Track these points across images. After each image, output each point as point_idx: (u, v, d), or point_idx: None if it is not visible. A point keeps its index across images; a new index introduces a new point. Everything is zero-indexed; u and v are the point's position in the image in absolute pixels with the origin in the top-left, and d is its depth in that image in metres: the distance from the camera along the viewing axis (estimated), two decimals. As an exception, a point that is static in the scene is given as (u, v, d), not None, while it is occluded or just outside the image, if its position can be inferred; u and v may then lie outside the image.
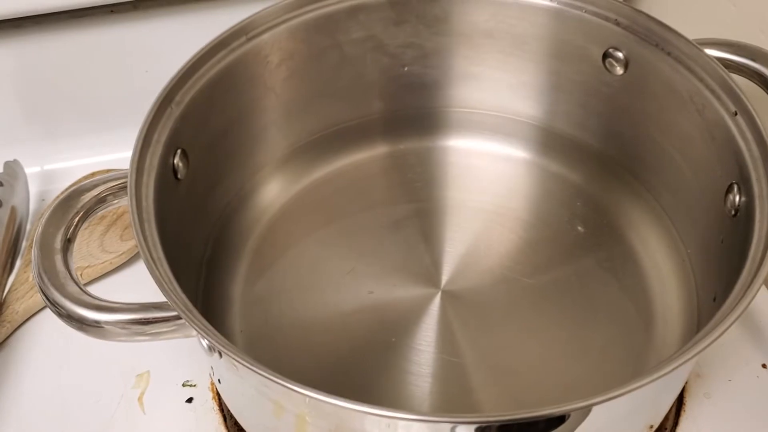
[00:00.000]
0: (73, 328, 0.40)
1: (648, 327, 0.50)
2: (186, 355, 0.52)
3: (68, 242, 0.41)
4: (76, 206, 0.42)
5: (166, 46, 0.62)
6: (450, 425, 0.35)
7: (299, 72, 0.56)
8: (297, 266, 0.54)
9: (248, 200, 0.56)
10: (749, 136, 0.45)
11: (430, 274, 0.53)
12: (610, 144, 0.57)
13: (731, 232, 0.46)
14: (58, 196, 0.44)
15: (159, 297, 0.39)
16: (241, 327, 0.51)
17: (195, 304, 0.39)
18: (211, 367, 0.45)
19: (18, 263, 0.58)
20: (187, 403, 0.51)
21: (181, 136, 0.47)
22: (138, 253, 0.58)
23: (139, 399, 0.51)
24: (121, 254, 0.58)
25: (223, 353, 0.37)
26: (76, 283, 0.40)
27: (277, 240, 0.55)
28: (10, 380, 0.52)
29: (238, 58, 0.51)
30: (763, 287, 0.52)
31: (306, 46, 0.55)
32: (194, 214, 0.51)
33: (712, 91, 0.48)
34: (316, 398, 0.34)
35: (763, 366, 0.52)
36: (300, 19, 0.53)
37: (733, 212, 0.46)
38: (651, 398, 0.42)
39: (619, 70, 0.54)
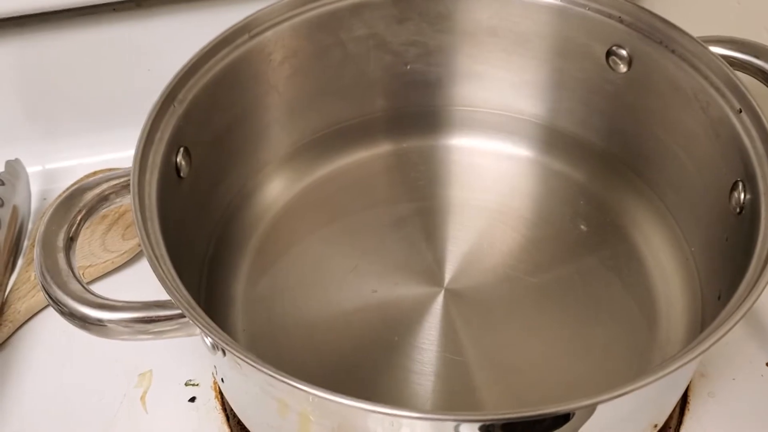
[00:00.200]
0: (75, 326, 0.39)
1: (651, 325, 0.50)
2: (189, 353, 0.52)
3: (71, 241, 0.41)
4: (79, 204, 0.42)
5: (169, 44, 0.62)
6: (454, 424, 0.35)
7: (302, 70, 0.55)
8: (300, 264, 0.54)
9: (251, 198, 0.56)
10: (754, 133, 0.45)
11: (433, 273, 0.53)
12: (614, 142, 0.57)
13: (736, 230, 0.45)
14: (60, 195, 0.44)
15: (161, 296, 0.39)
16: (244, 325, 0.50)
17: (198, 303, 0.39)
18: (214, 366, 0.45)
19: (20, 262, 0.58)
20: (190, 402, 0.51)
21: (184, 134, 0.47)
22: (139, 252, 0.58)
23: (142, 398, 0.51)
24: (123, 253, 0.58)
25: (226, 351, 0.37)
26: (79, 282, 0.40)
27: (279, 238, 0.55)
28: (12, 379, 0.52)
29: (240, 55, 0.51)
30: (768, 285, 0.52)
31: (309, 44, 0.55)
32: (197, 213, 0.51)
33: (717, 89, 0.48)
34: (320, 396, 0.34)
35: (768, 365, 0.52)
36: (303, 16, 0.53)
37: (737, 210, 0.46)
38: (655, 397, 0.42)
39: (623, 68, 0.54)
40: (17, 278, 0.56)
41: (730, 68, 0.47)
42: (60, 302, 0.39)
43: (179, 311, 0.39)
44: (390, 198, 0.58)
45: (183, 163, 0.48)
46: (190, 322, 0.38)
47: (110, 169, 0.61)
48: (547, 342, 0.50)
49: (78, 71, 0.63)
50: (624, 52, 0.53)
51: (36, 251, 0.41)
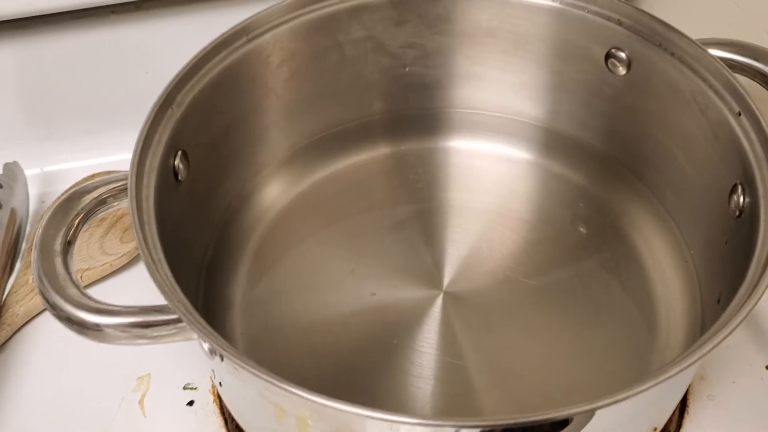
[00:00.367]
0: (73, 331, 0.39)
1: (651, 328, 0.50)
2: (187, 357, 0.52)
3: (68, 244, 0.41)
4: (77, 208, 0.42)
5: (167, 47, 0.62)
6: (453, 429, 0.34)
7: (300, 72, 0.55)
8: (298, 267, 0.53)
9: (249, 201, 0.56)
10: (753, 136, 0.45)
11: (431, 276, 0.53)
12: (613, 144, 0.57)
13: (735, 233, 0.45)
14: (58, 198, 0.44)
15: (159, 300, 0.39)
16: (242, 329, 0.50)
17: (195, 307, 0.39)
18: (212, 370, 0.45)
19: (18, 265, 0.58)
20: (188, 406, 0.51)
21: (182, 137, 0.47)
22: (138, 255, 0.58)
23: (140, 402, 0.51)
24: (121, 256, 0.58)
25: (224, 356, 0.37)
26: (76, 286, 0.40)
27: (278, 241, 0.55)
28: (10, 383, 0.52)
29: (239, 58, 0.51)
30: (767, 288, 0.52)
31: (307, 47, 0.55)
32: (195, 216, 0.51)
33: (716, 91, 0.48)
34: (318, 402, 0.34)
35: (767, 368, 0.52)
36: (301, 19, 0.53)
37: (737, 213, 0.45)
38: (655, 401, 0.42)
39: (622, 70, 0.54)
40: (15, 281, 0.56)
41: (729, 71, 0.47)
42: (57, 307, 0.39)
43: (177, 316, 0.38)
44: (389, 201, 0.58)
45: (181, 166, 0.47)
46: (188, 326, 0.38)
47: (108, 172, 0.60)
48: (546, 345, 0.50)
49: (76, 74, 0.63)
50: (623, 55, 0.53)
51: (33, 255, 0.40)
